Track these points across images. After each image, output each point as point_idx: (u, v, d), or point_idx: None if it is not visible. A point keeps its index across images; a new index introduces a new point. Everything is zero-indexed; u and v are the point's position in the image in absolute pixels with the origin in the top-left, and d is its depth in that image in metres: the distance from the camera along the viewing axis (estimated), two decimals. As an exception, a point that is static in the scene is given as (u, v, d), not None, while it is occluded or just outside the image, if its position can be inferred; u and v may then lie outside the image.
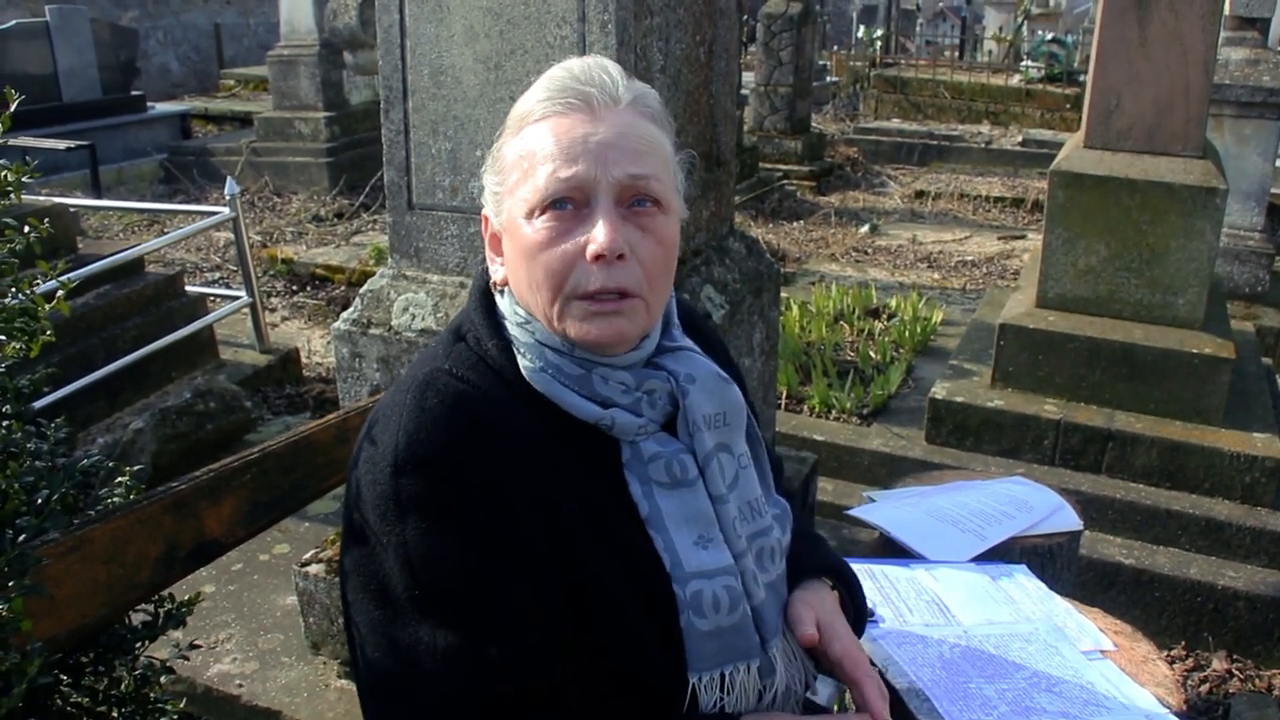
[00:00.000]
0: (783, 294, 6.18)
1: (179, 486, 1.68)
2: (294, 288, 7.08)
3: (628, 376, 1.24)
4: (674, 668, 1.22)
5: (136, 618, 1.79)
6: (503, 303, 1.28)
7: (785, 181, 9.97)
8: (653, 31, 2.35)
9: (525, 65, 2.33)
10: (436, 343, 1.31)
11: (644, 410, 1.25)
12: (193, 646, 1.94)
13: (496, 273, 1.30)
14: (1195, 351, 3.76)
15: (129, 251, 4.83)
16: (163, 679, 1.95)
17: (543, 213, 1.18)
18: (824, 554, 1.47)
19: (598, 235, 1.16)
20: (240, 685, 2.94)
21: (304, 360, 5.69)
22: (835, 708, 1.78)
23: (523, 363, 1.23)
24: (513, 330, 1.25)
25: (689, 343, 1.35)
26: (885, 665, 1.65)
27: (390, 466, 1.13)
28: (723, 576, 1.24)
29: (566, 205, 1.18)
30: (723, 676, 1.24)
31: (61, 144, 8.58)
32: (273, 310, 6.66)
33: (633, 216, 1.20)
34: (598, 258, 1.16)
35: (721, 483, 1.28)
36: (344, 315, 2.67)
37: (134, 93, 11.20)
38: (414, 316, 2.54)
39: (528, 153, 1.20)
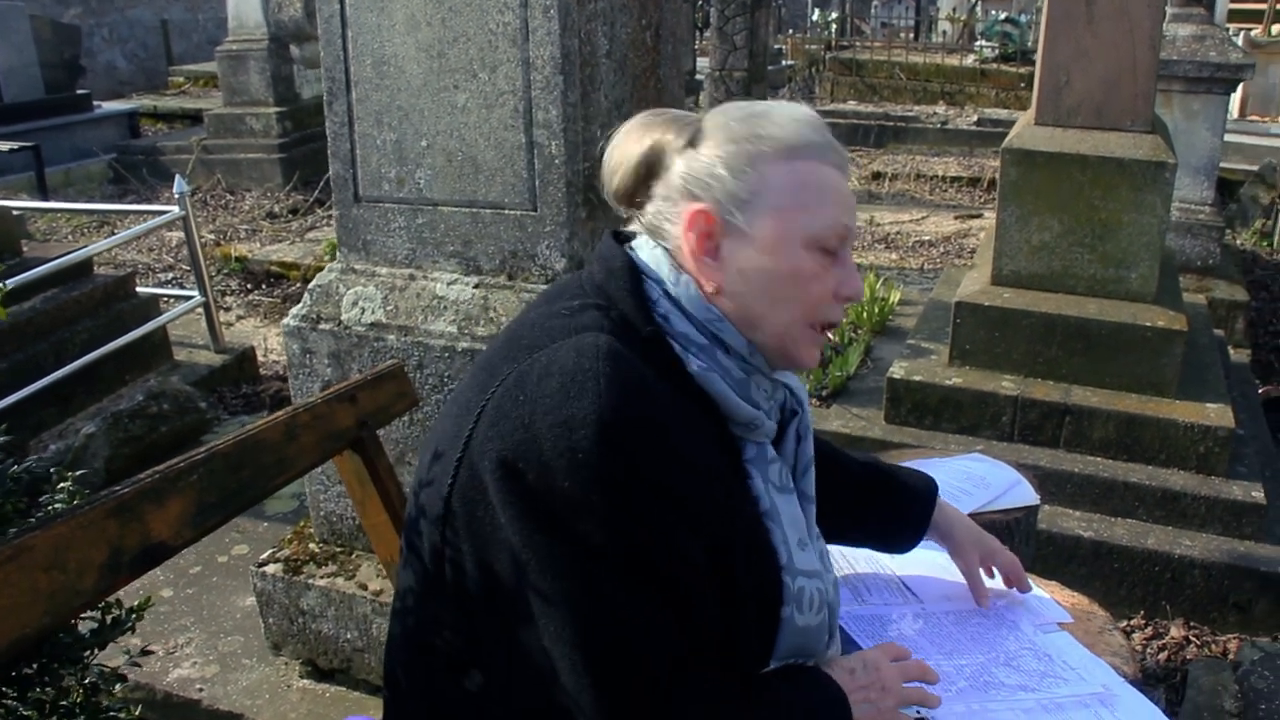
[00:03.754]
0: (741, 279, 6.18)
1: (122, 490, 1.65)
2: (249, 286, 7.00)
3: (768, 385, 1.36)
4: (762, 656, 1.30)
5: (85, 626, 1.76)
6: (683, 295, 1.31)
7: (742, 166, 9.96)
8: (597, 16, 2.33)
9: (468, 53, 2.31)
10: (576, 311, 1.30)
11: (774, 415, 1.37)
12: (144, 652, 1.92)
13: (711, 276, 1.31)
14: (1148, 325, 3.78)
15: (76, 254, 4.75)
16: (116, 687, 1.91)
17: (820, 249, 1.29)
18: (901, 491, 1.77)
19: (856, 283, 1.33)
20: (201, 689, 2.91)
21: (260, 358, 5.63)
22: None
23: (692, 360, 1.28)
24: (680, 326, 1.30)
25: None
26: (843, 646, 1.65)
27: (596, 434, 1.13)
28: (816, 578, 1.34)
29: (829, 250, 1.30)
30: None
31: (4, 145, 8.42)
32: (228, 309, 6.58)
33: None
34: (846, 299, 1.32)
35: (813, 486, 1.44)
36: (293, 311, 2.63)
37: (79, 92, 11.03)
38: (364, 310, 2.51)
39: (812, 185, 1.30)
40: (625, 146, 1.36)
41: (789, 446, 1.42)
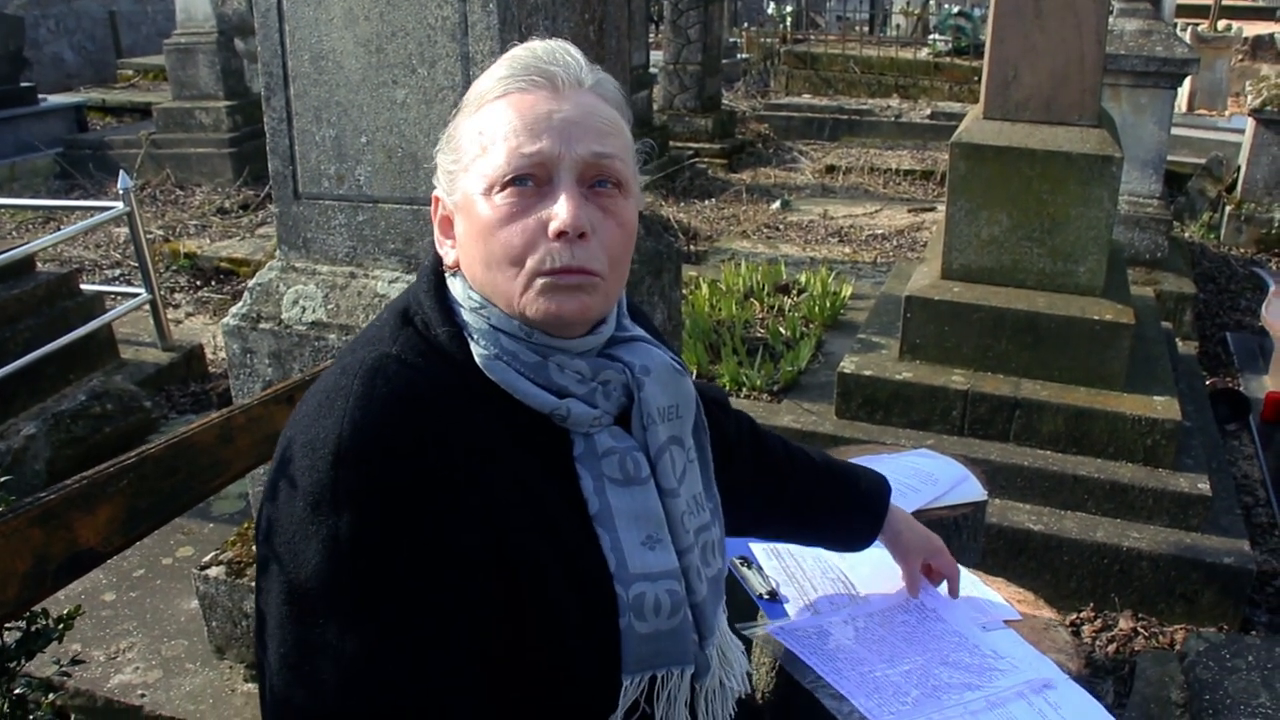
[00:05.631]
0: (694, 273, 6.18)
1: (48, 497, 1.61)
2: (198, 283, 6.89)
3: (584, 365, 1.21)
4: (607, 670, 1.19)
5: (10, 636, 1.72)
6: (455, 287, 1.24)
7: (696, 160, 9.96)
8: (538, 10, 2.30)
9: (407, 48, 2.27)
10: (379, 325, 1.24)
11: (599, 401, 1.22)
12: (75, 662, 1.88)
13: (448, 256, 1.25)
14: (1096, 318, 3.81)
15: (14, 251, 4.65)
16: (50, 695, 1.87)
17: (503, 189, 1.15)
18: (850, 490, 1.72)
19: (559, 211, 1.13)
20: (143, 695, 2.85)
21: (210, 356, 5.55)
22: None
23: (476, 350, 1.18)
24: (465, 316, 1.21)
25: (641, 332, 1.33)
26: (788, 664, 1.63)
27: (332, 455, 1.07)
28: (666, 580, 1.22)
29: (528, 182, 1.14)
30: (653, 679, 1.22)
31: (-54, 140, 8.25)
32: (176, 306, 6.48)
33: (594, 197, 1.17)
34: (560, 234, 1.13)
35: (673, 476, 1.27)
36: (233, 310, 2.59)
37: (23, 84, 10.79)
38: (304, 309, 2.47)
39: (487, 129, 1.17)
40: None
41: (636, 432, 1.26)
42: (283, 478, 1.12)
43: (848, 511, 1.71)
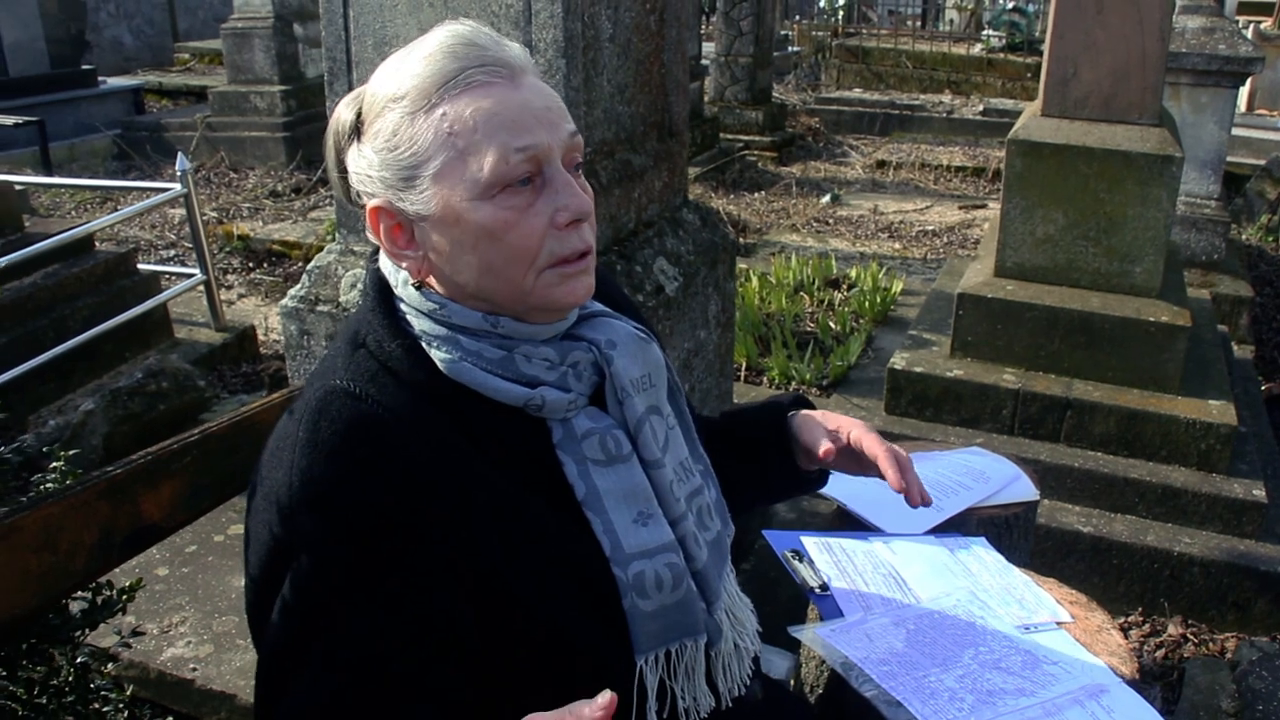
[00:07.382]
0: (743, 265, 6.18)
1: (115, 471, 1.64)
2: (250, 264, 6.98)
3: (550, 352, 1.20)
4: (618, 652, 1.19)
5: (75, 606, 1.75)
6: (409, 296, 1.20)
7: (746, 152, 9.93)
8: (601, -1, 2.31)
9: (471, 35, 2.28)
10: (334, 353, 1.21)
11: (571, 384, 1.20)
12: (135, 633, 1.91)
13: (411, 269, 1.19)
14: (1152, 320, 3.76)
15: (76, 230, 4.74)
16: (109, 666, 1.91)
17: (502, 190, 1.11)
18: (766, 405, 1.60)
19: (569, 201, 1.13)
20: (194, 669, 2.90)
21: (261, 337, 5.62)
22: (791, 681, 1.75)
23: (437, 357, 1.16)
24: (422, 325, 1.18)
25: (600, 307, 1.31)
26: (847, 671, 1.62)
27: (288, 509, 1.08)
28: (664, 554, 1.21)
29: (526, 181, 1.12)
30: (668, 654, 1.21)
31: (9, 120, 8.39)
32: (229, 287, 6.56)
33: (575, 179, 1.17)
34: (572, 223, 1.14)
35: (655, 447, 1.25)
36: (291, 292, 2.61)
37: (84, 67, 10.97)
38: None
39: (460, 128, 1.11)
40: (327, 135, 1.24)
41: (612, 408, 1.24)
42: (248, 523, 1.16)
43: (746, 439, 1.58)
